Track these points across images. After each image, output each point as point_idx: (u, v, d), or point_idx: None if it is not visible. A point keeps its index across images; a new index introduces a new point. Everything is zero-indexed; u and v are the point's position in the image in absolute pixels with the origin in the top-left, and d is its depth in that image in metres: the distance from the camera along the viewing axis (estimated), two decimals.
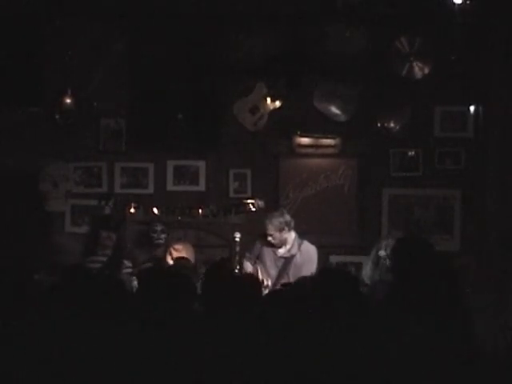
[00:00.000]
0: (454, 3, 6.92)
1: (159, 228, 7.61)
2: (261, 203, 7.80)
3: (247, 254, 7.19)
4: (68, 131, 7.98)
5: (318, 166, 8.07)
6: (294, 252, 7.11)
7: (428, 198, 8.08)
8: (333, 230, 7.97)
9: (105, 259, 7.27)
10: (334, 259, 7.88)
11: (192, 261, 7.04)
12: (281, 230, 7.04)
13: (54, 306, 4.45)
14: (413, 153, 8.08)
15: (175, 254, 7.09)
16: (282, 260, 7.10)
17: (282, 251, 7.13)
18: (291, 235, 7.12)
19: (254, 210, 7.80)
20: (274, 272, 7.07)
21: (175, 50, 7.96)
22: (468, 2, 6.88)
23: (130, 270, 7.09)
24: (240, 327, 4.14)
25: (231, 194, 8.08)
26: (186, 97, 8.02)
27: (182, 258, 6.89)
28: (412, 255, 4.52)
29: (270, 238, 7.06)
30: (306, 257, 7.11)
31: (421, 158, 8.08)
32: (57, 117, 7.93)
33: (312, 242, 7.67)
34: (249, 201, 7.83)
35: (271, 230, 7.03)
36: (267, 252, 7.15)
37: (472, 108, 8.03)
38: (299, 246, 7.13)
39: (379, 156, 8.07)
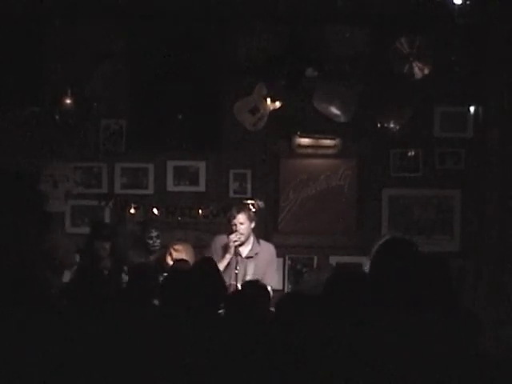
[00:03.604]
0: (454, 3, 6.91)
1: (155, 234, 7.39)
2: (261, 203, 7.79)
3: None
4: (68, 131, 7.98)
5: (318, 167, 8.06)
6: (257, 250, 6.94)
7: (428, 198, 8.08)
8: (333, 230, 7.96)
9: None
10: (333, 260, 7.87)
11: (191, 262, 7.00)
12: (250, 219, 6.89)
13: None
14: (413, 153, 8.07)
15: (175, 255, 7.08)
16: (245, 260, 6.87)
17: (246, 251, 6.91)
18: (251, 233, 6.96)
19: (254, 210, 7.77)
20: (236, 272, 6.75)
21: (175, 49, 7.96)
22: (468, 3, 6.87)
23: None
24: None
25: (231, 195, 8.08)
26: (186, 97, 8.03)
27: (181, 260, 6.82)
28: (392, 256, 4.42)
29: (238, 229, 6.80)
30: (268, 255, 6.97)
31: (421, 158, 8.08)
32: (57, 117, 7.92)
33: (312, 243, 7.69)
34: (249, 201, 7.82)
35: (242, 218, 6.84)
36: (229, 253, 6.85)
37: (472, 108, 8.02)
38: (259, 244, 6.99)
39: (379, 156, 8.07)
